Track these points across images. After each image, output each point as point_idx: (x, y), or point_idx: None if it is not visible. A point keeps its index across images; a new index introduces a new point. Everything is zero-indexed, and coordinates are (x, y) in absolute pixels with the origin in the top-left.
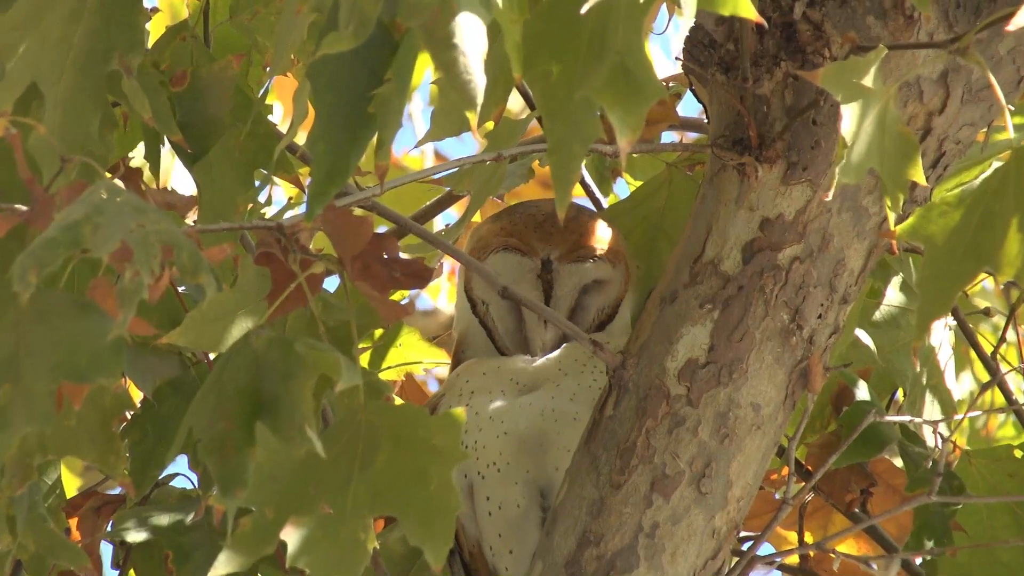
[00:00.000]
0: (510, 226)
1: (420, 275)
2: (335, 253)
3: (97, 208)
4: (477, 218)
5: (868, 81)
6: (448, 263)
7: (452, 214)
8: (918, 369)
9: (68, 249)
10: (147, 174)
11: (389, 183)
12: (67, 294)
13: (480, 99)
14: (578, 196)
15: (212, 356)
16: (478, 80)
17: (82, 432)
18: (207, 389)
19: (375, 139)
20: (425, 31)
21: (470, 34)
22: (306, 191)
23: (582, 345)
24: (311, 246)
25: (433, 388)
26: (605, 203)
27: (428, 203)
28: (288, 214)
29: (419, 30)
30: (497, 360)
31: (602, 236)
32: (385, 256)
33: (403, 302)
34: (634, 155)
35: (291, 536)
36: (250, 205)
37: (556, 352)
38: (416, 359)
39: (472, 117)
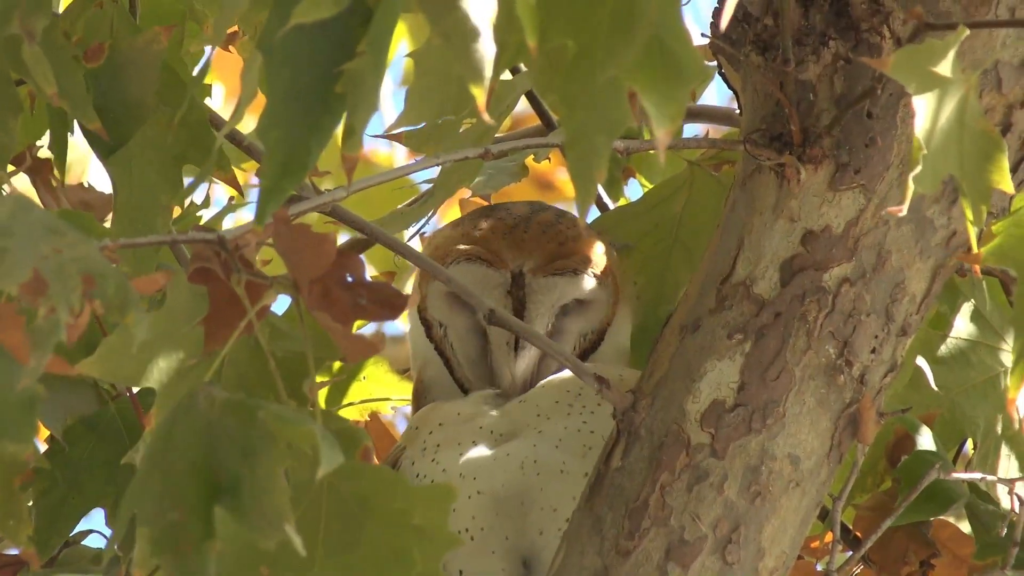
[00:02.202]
0: (474, 232)
1: (391, 303)
2: (287, 271)
3: (3, 228)
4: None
5: (945, 68)
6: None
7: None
8: (1017, 426)
9: None
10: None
11: (356, 183)
12: None
13: (489, 72)
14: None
15: (136, 390)
16: (486, 50)
17: None
18: (150, 465)
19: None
20: None
21: None
22: (242, 191)
23: (585, 382)
24: (257, 257)
25: (403, 430)
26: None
27: (399, 207)
28: (229, 218)
29: None
30: (455, 405)
31: (587, 245)
32: (349, 279)
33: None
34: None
35: None
36: (178, 210)
37: (528, 393)
38: (383, 395)
39: (479, 94)
